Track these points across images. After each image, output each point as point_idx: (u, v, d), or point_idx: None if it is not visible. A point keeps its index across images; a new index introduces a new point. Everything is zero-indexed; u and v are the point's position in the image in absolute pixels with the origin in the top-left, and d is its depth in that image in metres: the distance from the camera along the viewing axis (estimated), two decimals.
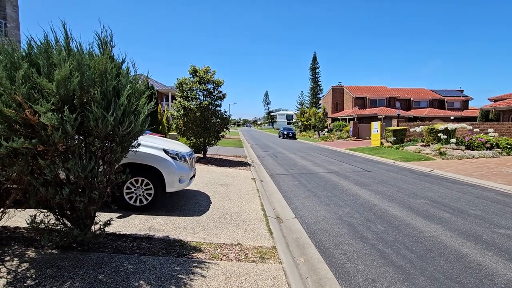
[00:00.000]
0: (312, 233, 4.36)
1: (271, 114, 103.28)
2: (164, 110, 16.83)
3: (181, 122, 11.07)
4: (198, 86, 10.74)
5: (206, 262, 3.15)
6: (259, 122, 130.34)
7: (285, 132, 34.78)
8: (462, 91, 44.02)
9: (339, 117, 40.45)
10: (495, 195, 6.89)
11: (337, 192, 6.91)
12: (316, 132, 35.74)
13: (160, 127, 12.61)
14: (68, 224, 3.07)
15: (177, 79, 10.85)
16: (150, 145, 4.57)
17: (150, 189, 4.64)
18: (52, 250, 3.10)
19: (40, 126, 2.25)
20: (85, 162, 2.60)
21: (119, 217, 4.33)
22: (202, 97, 10.94)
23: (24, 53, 2.42)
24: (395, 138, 18.81)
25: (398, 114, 28.27)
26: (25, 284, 2.48)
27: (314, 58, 60.72)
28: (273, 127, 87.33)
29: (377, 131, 20.07)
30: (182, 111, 10.86)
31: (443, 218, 5.04)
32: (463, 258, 3.55)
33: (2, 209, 3.08)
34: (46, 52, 2.31)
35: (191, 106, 10.62)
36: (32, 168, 2.53)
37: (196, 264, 3.07)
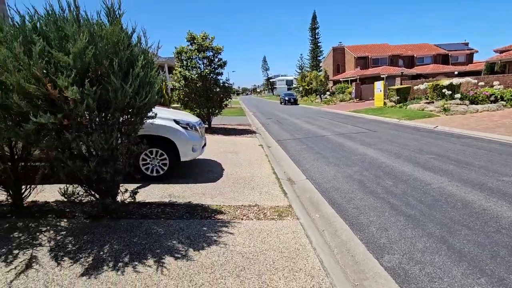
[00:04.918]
0: (324, 192, 4.57)
1: (271, 80, 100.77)
2: (163, 82, 16.58)
3: (182, 93, 10.95)
4: (197, 54, 10.44)
5: (229, 222, 3.37)
6: (258, 90, 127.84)
7: (287, 98, 34.33)
8: (467, 44, 42.33)
9: (341, 79, 39.57)
10: (499, 146, 7.01)
11: (344, 153, 7.06)
12: (318, 96, 35.25)
13: (162, 99, 12.52)
14: (96, 195, 3.24)
15: (175, 47, 10.52)
16: (161, 116, 4.61)
17: (165, 159, 4.79)
18: (84, 219, 3.31)
19: (62, 101, 2.29)
20: (108, 134, 2.68)
21: (139, 187, 4.52)
22: (202, 66, 10.69)
23: (31, 27, 2.37)
24: (398, 97, 18.61)
25: (402, 73, 27.58)
26: (67, 249, 2.70)
27: (314, 18, 57.66)
28: (273, 94, 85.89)
29: (380, 91, 19.79)
30: (183, 82, 10.69)
31: (449, 170, 5.22)
32: (469, 205, 3.76)
33: (32, 185, 3.24)
34: (56, 24, 2.27)
35: (192, 75, 10.42)
36: (58, 142, 2.61)
37: (220, 224, 3.29)
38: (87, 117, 2.47)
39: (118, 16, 2.50)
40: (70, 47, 2.15)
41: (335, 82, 41.12)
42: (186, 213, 3.61)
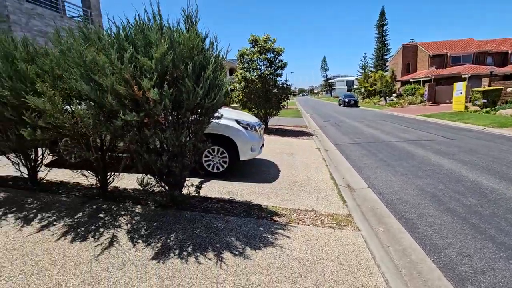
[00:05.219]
0: (389, 203, 4.17)
1: (329, 81, 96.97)
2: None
3: (242, 94, 11.30)
4: (259, 56, 10.65)
5: (285, 225, 3.33)
6: (316, 91, 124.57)
7: (346, 100, 32.62)
8: None
9: (410, 80, 35.79)
10: None
11: (414, 162, 6.35)
12: (383, 98, 32.59)
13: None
14: (166, 187, 3.55)
15: (238, 50, 10.93)
16: (224, 116, 4.82)
17: (225, 157, 5.00)
18: (154, 207, 3.67)
19: (144, 101, 2.57)
20: (178, 132, 2.90)
21: (200, 182, 4.81)
22: (263, 67, 10.87)
23: (124, 36, 2.72)
24: (485, 101, 15.97)
25: (491, 72, 23.55)
26: (141, 233, 3.02)
27: (382, 14, 53.35)
28: (331, 95, 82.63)
29: (461, 93, 17.26)
30: (243, 83, 11.04)
31: None
32: None
33: (116, 172, 3.73)
34: (143, 33, 2.56)
35: (252, 77, 10.68)
36: (138, 137, 2.94)
37: (276, 226, 3.28)
38: (163, 116, 2.72)
39: (194, 23, 2.70)
40: (153, 53, 2.40)
41: (404, 83, 37.37)
42: (243, 211, 3.70)
